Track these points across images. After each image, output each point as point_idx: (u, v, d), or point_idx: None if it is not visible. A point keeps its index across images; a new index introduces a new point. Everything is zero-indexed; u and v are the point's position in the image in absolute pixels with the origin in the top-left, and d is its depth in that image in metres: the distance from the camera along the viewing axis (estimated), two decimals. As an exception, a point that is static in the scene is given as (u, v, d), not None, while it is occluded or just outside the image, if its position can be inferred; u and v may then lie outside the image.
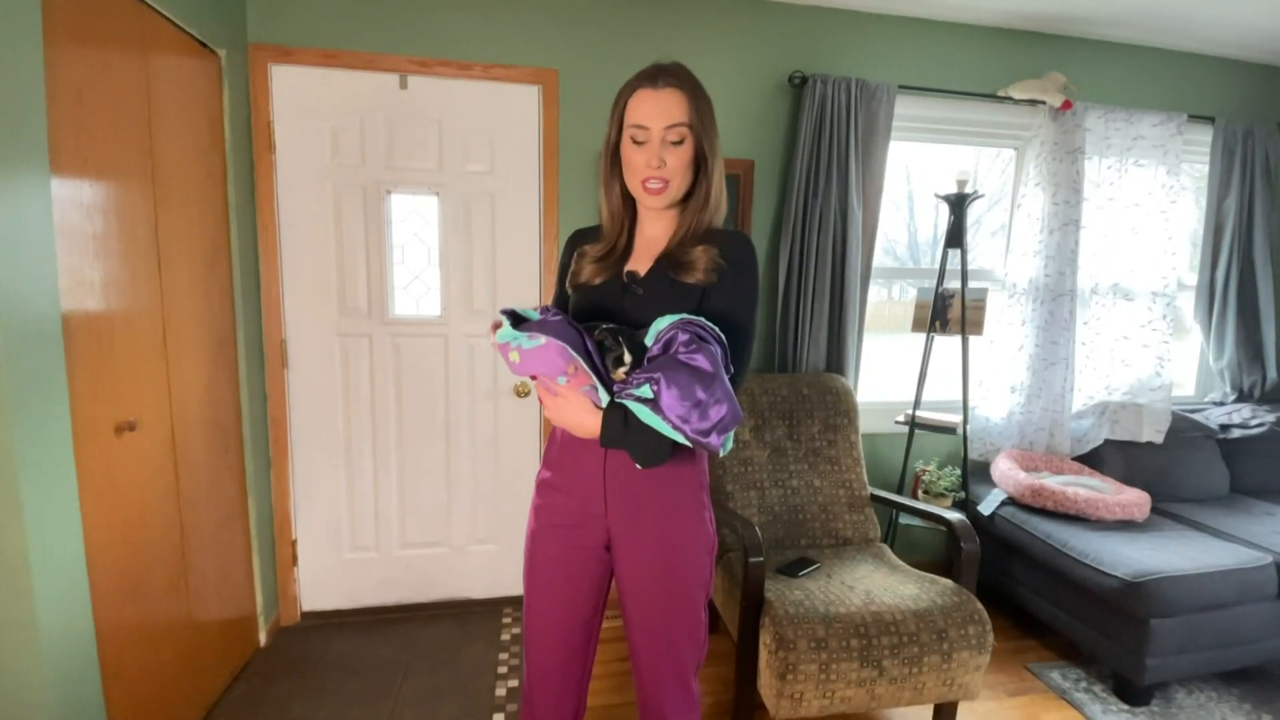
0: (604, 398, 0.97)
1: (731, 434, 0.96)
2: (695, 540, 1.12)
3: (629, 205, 1.15)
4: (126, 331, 1.50)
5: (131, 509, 1.51)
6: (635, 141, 1.06)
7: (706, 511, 1.15)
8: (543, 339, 0.91)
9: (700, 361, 0.91)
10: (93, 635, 1.35)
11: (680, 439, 0.93)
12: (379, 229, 2.22)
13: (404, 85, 2.16)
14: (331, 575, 2.36)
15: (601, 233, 1.17)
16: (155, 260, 1.62)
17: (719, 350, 0.95)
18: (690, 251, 1.07)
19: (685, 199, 1.11)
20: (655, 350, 0.96)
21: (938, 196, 2.35)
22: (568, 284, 1.18)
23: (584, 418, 0.99)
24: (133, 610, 1.51)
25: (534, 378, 1.00)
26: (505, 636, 2.27)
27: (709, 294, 1.06)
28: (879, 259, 2.54)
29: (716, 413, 0.91)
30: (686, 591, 1.11)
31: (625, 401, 0.95)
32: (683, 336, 0.94)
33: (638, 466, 0.99)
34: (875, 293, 2.71)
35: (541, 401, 1.04)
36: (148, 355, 1.58)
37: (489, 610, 2.43)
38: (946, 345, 2.66)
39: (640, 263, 1.12)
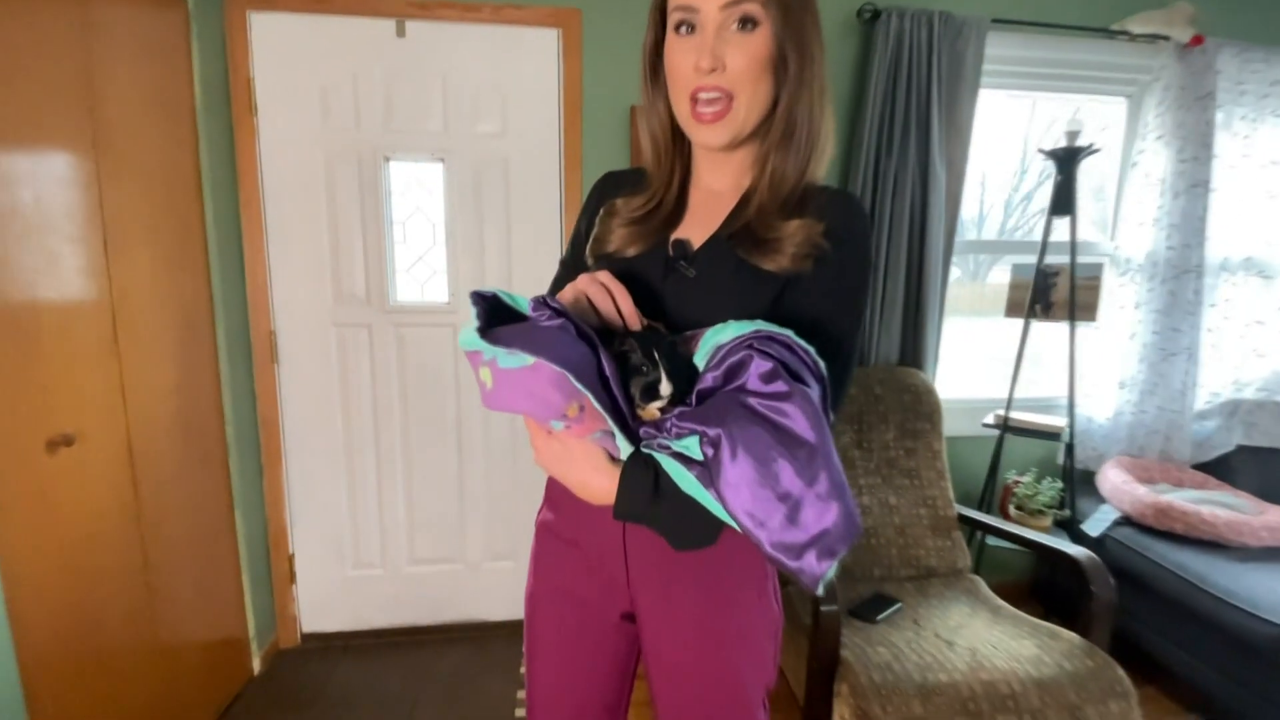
0: (624, 447, 0.64)
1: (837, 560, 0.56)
2: (754, 626, 0.79)
3: (680, 140, 0.79)
4: (60, 328, 1.24)
5: (72, 533, 1.26)
6: (679, 29, 0.70)
7: (770, 582, 0.81)
8: (530, 359, 0.56)
9: (793, 418, 0.56)
10: (15, 675, 1.13)
11: (749, 536, 0.58)
12: (376, 203, 1.93)
13: (401, 32, 1.84)
14: (334, 594, 2.11)
15: (644, 181, 0.82)
16: (100, 241, 1.35)
17: (819, 391, 0.60)
18: (775, 224, 0.71)
19: (763, 133, 0.74)
20: (711, 380, 0.62)
21: (1042, 152, 1.94)
22: (588, 252, 0.83)
23: (590, 475, 0.66)
24: (79, 645, 1.27)
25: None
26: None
27: (795, 288, 0.70)
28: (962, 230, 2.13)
29: (818, 516, 0.54)
30: (738, 694, 0.78)
31: (658, 456, 0.62)
32: (760, 365, 0.58)
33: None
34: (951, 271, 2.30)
35: (532, 442, 0.72)
36: (90, 355, 1.32)
37: (507, 635, 2.15)
38: (1036, 333, 2.24)
39: (695, 228, 0.77)
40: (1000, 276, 2.71)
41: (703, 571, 0.75)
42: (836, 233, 0.70)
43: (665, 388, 0.62)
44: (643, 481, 0.63)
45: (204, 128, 1.71)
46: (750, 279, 0.71)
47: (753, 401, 0.57)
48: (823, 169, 0.75)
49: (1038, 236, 2.07)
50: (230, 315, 1.83)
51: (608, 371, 0.60)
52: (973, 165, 2.08)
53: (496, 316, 0.63)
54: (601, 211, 0.83)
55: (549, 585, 0.85)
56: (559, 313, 0.61)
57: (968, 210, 2.70)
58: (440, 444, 2.08)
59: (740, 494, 0.55)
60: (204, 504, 1.73)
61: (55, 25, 1.24)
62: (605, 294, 0.67)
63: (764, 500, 0.54)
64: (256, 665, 1.96)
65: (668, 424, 0.61)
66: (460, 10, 1.83)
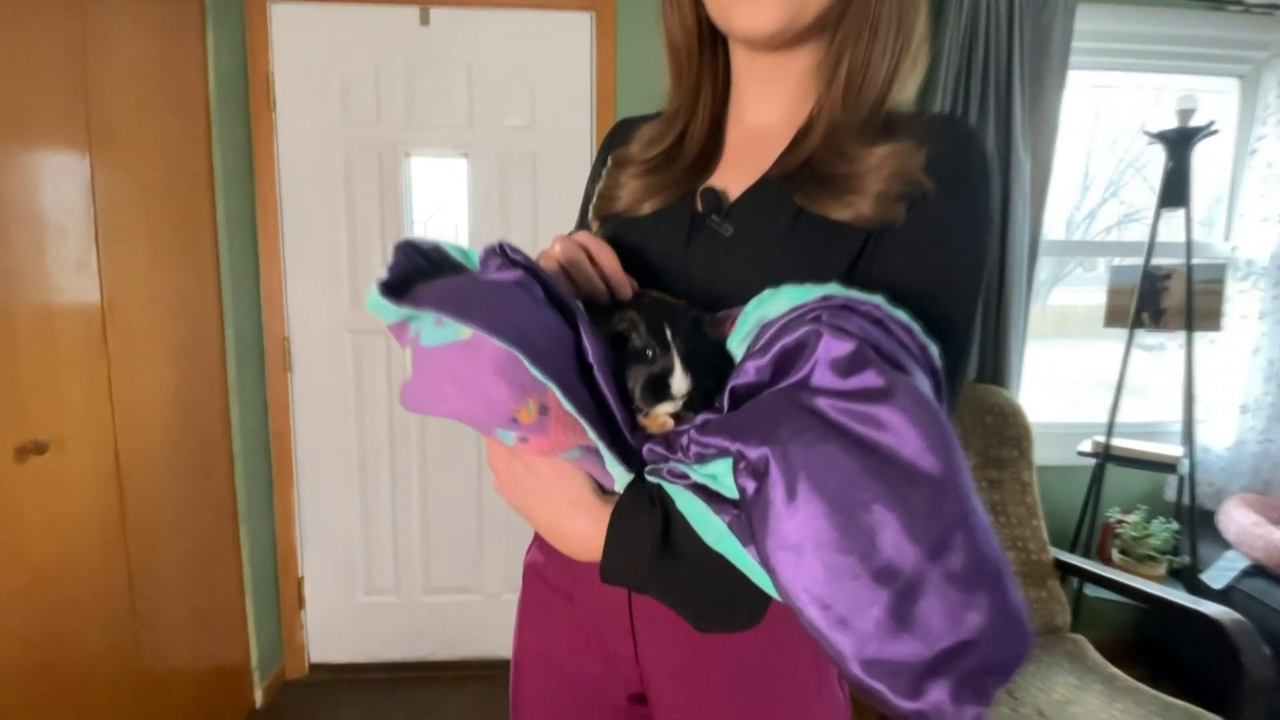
0: (617, 473, 0.44)
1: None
2: None
3: (711, 49, 0.59)
4: (36, 326, 1.12)
5: (42, 551, 1.13)
6: None
7: (828, 671, 0.57)
8: (467, 331, 0.36)
9: (896, 432, 0.34)
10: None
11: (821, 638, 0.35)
12: (396, 201, 1.80)
13: (425, 20, 1.73)
14: (344, 622, 1.96)
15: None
16: (90, 236, 1.24)
17: (928, 384, 0.39)
18: (853, 153, 0.50)
19: (832, 28, 0.53)
20: (754, 371, 0.40)
21: (1149, 135, 1.67)
22: (591, 215, 0.64)
23: (563, 514, 0.46)
24: (48, 676, 1.14)
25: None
26: (546, 715, 1.79)
27: (884, 246, 0.49)
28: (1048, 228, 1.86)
29: (951, 615, 0.31)
30: None
31: (669, 488, 0.43)
32: (834, 346, 0.37)
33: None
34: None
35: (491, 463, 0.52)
36: (74, 357, 1.20)
37: (529, 675, 1.95)
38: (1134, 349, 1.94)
39: (733, 175, 0.57)
40: (1064, 297, 2.41)
41: (740, 650, 0.54)
42: (945, 165, 0.48)
43: (681, 382, 0.42)
44: (644, 528, 0.43)
45: (217, 122, 1.62)
46: (815, 235, 0.49)
47: (823, 404, 0.36)
48: (914, 86, 0.54)
49: (1127, 236, 1.79)
50: (240, 319, 1.72)
51: (591, 356, 0.40)
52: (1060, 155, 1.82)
53: (432, 277, 0.43)
54: (610, 162, 0.64)
55: (538, 648, 0.64)
56: (523, 267, 0.41)
57: (1057, 208, 2.41)
58: (459, 462, 1.92)
59: (804, 563, 0.33)
60: (205, 521, 1.61)
61: (47, 7, 1.15)
62: (579, 252, 0.48)
63: (846, 578, 0.32)
64: (259, 697, 1.81)
65: (684, 439, 0.41)
66: (487, -5, 1.71)
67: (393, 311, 0.37)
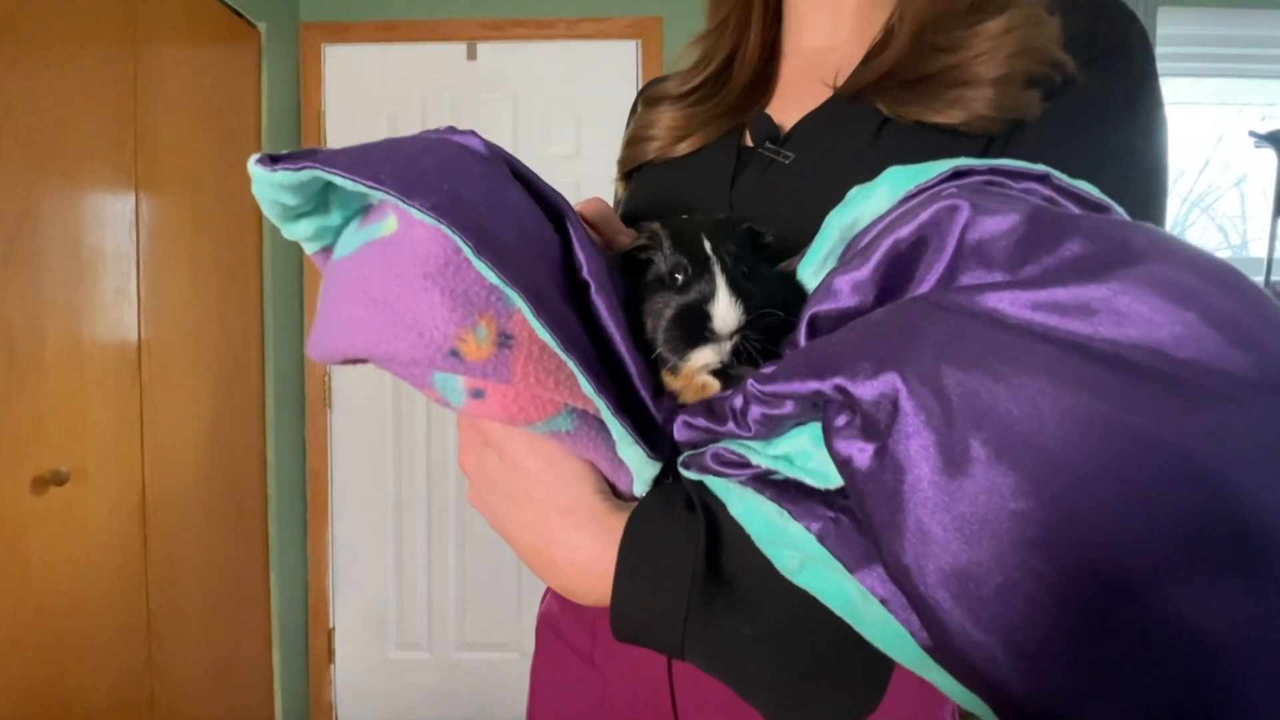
0: (634, 459, 0.29)
1: None
2: None
3: None
4: (65, 354, 1.09)
5: (51, 590, 1.06)
6: None
7: None
8: (391, 223, 0.24)
9: (1144, 319, 0.18)
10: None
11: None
12: (439, 233, 1.77)
13: (472, 55, 1.73)
14: (374, 679, 1.82)
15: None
16: (131, 266, 1.23)
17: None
18: (955, 36, 0.37)
19: None
20: (850, 290, 0.25)
21: (1256, 136, 1.50)
22: (619, 170, 0.53)
23: (549, 527, 0.31)
24: None
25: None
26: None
27: (1014, 150, 0.35)
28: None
29: None
30: None
31: (715, 484, 0.28)
32: (989, 224, 0.22)
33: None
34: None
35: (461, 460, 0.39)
36: (104, 385, 1.16)
37: (570, 746, 1.76)
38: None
39: (792, 105, 0.44)
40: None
41: None
42: (1092, 37, 0.35)
43: (728, 313, 0.27)
44: (675, 550, 0.28)
45: (269, 157, 1.63)
46: (909, 147, 0.36)
47: (993, 300, 0.21)
48: None
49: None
50: (281, 355, 1.68)
51: (586, 270, 0.27)
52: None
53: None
54: (641, 106, 0.53)
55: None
56: (496, 152, 0.29)
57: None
58: (499, 505, 1.80)
59: (991, 590, 0.19)
60: (234, 564, 1.53)
61: (102, 49, 1.17)
62: (606, 206, 0.37)
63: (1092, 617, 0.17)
64: (281, 762, 1.68)
65: (738, 400, 0.27)
66: (534, 28, 1.71)
67: (271, 185, 0.24)
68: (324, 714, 1.81)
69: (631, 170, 0.51)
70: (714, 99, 0.47)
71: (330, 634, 1.81)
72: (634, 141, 0.50)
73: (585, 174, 1.75)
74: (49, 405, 1.05)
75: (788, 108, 0.45)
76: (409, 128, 1.73)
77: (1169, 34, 1.68)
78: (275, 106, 1.65)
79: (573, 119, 1.74)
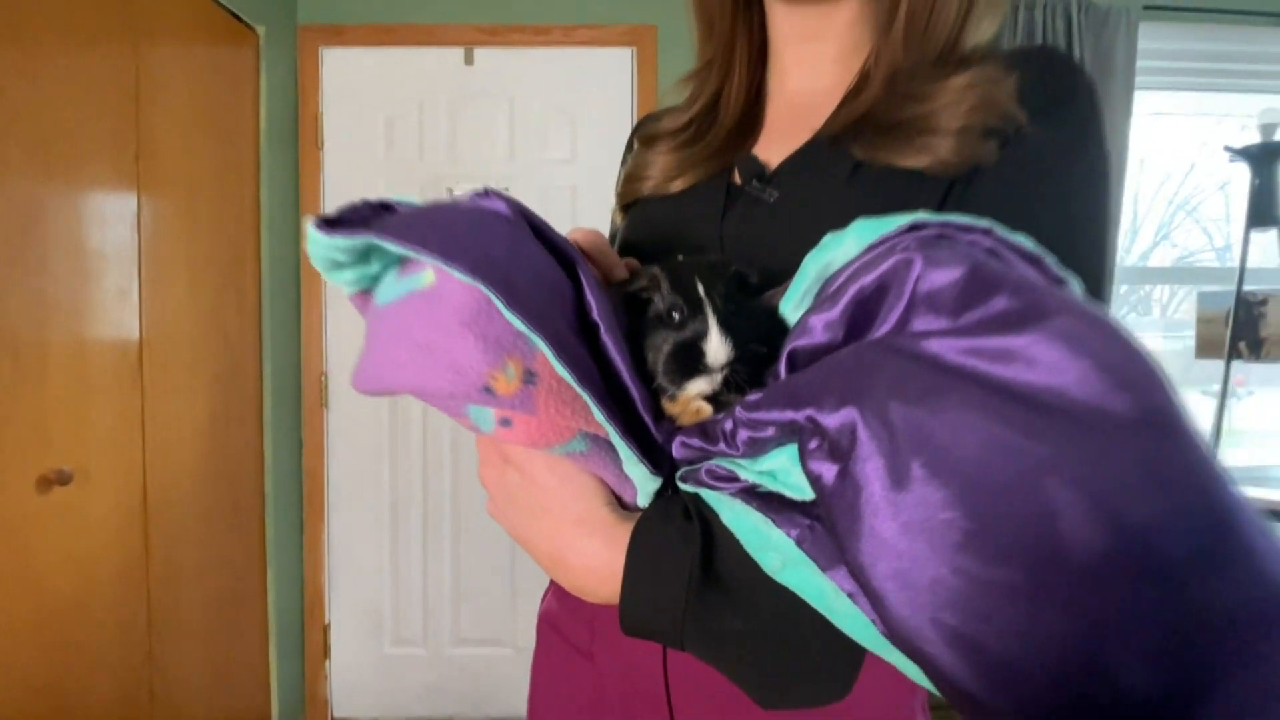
0: (639, 476, 0.33)
1: None
2: None
3: (745, 6, 0.51)
4: (69, 354, 1.11)
5: (54, 588, 1.08)
6: None
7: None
8: (429, 276, 0.28)
9: (1051, 365, 0.22)
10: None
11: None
12: (436, 235, 1.79)
13: (469, 60, 1.76)
14: (370, 674, 1.85)
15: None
16: (133, 267, 1.25)
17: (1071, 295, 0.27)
18: (924, 88, 0.41)
19: None
20: (822, 329, 0.30)
21: (1231, 151, 1.55)
22: (617, 204, 0.57)
23: (567, 537, 0.36)
24: None
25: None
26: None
27: (973, 194, 0.39)
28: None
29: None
30: None
31: (711, 498, 0.33)
32: (936, 275, 0.26)
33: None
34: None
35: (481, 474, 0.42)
36: (106, 386, 1.18)
37: (562, 740, 1.80)
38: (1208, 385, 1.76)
39: (776, 146, 0.48)
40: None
41: None
42: (1042, 92, 0.39)
43: (719, 349, 0.32)
44: (675, 554, 0.33)
45: (266, 160, 1.65)
46: (880, 188, 0.40)
47: (935, 346, 0.25)
48: (990, 28, 0.44)
49: (1201, 261, 1.65)
50: (279, 354, 1.70)
51: (595, 312, 0.31)
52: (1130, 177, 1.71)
53: (365, 218, 0.32)
54: (637, 144, 0.56)
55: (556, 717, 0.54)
56: (493, 199, 0.33)
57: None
58: (493, 503, 1.83)
59: (925, 581, 0.23)
60: (232, 561, 1.55)
61: (103, 53, 1.18)
62: (602, 239, 0.40)
63: (1008, 600, 0.21)
64: (277, 756, 1.70)
65: (728, 424, 0.31)
66: (530, 34, 1.73)
67: (327, 246, 0.28)
68: (319, 709, 1.83)
69: (629, 203, 0.55)
70: (704, 139, 0.50)
71: (326, 630, 1.83)
72: (631, 179, 0.54)
73: (580, 179, 1.78)
74: (53, 405, 1.07)
75: (773, 147, 0.48)
76: (406, 131, 1.76)
77: (1150, 48, 1.73)
78: (273, 108, 1.66)
79: (568, 124, 1.77)
